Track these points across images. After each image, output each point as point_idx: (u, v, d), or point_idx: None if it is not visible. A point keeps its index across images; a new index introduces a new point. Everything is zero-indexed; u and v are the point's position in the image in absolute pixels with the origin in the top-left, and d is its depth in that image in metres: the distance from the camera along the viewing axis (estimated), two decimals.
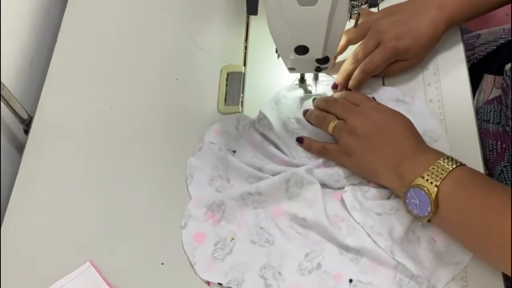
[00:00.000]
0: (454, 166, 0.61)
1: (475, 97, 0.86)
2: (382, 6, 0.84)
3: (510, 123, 0.77)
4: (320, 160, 0.71)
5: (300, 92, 0.78)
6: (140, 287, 0.67)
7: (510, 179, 0.77)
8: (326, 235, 0.66)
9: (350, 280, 0.64)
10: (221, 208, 0.69)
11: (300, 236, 0.67)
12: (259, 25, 0.85)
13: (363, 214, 0.66)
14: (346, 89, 0.76)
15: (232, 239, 0.68)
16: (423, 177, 0.61)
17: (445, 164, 0.61)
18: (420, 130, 0.69)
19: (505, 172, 0.78)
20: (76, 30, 0.88)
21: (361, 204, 0.67)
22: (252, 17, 0.86)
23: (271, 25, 0.63)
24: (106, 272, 0.67)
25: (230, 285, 0.65)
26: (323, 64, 0.69)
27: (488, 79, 0.85)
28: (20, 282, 0.68)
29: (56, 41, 0.87)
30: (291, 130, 0.74)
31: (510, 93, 0.76)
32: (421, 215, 0.62)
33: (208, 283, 0.66)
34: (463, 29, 0.81)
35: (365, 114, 0.68)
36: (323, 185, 0.69)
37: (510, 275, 0.57)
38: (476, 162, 0.70)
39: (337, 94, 0.75)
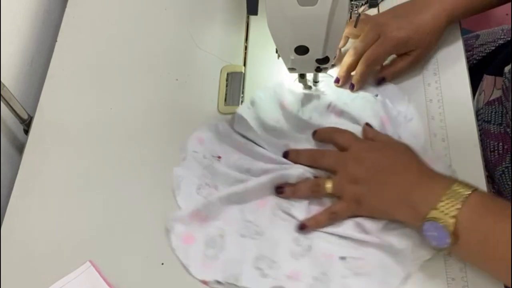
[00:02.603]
0: (468, 193, 0.59)
1: (475, 97, 0.86)
2: (382, 6, 0.84)
3: (511, 125, 0.77)
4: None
5: (276, 92, 0.78)
6: (140, 287, 0.67)
7: (511, 180, 0.77)
8: None
9: (343, 258, 0.65)
10: (207, 207, 0.69)
11: (286, 222, 0.68)
12: (259, 25, 0.85)
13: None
14: (351, 86, 0.76)
15: (221, 235, 0.68)
16: (438, 209, 0.59)
17: (458, 190, 0.59)
18: (393, 111, 0.71)
19: (506, 173, 0.78)
20: (76, 30, 0.88)
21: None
22: (252, 17, 0.86)
23: (271, 25, 0.63)
24: (106, 272, 0.67)
25: (228, 281, 0.65)
26: (323, 64, 0.69)
27: (488, 80, 0.85)
28: (20, 282, 0.68)
29: (56, 41, 0.87)
30: (271, 128, 0.74)
31: (510, 95, 0.76)
32: (440, 246, 0.60)
33: (205, 282, 0.65)
34: (462, 30, 0.81)
35: (359, 159, 0.67)
36: None
37: None
38: (476, 162, 0.70)
39: (321, 131, 0.73)
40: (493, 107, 0.82)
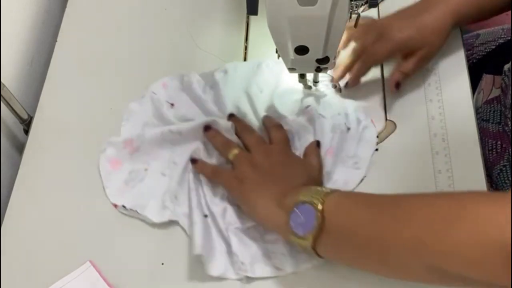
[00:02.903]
0: (334, 190, 0.61)
1: (474, 96, 0.86)
2: (382, 6, 0.84)
3: (509, 123, 0.77)
4: None
5: (277, 73, 0.78)
6: (140, 287, 0.67)
7: (509, 178, 0.77)
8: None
9: (205, 216, 0.68)
10: (140, 139, 0.72)
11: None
12: (259, 25, 0.85)
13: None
14: (345, 83, 0.76)
15: (146, 169, 0.72)
16: (304, 194, 0.60)
17: (324, 187, 0.62)
18: (350, 151, 0.71)
19: (504, 171, 0.78)
20: (76, 30, 0.88)
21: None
22: (252, 17, 0.86)
23: (271, 25, 0.63)
24: (106, 272, 0.67)
25: (133, 208, 0.69)
26: (323, 64, 0.69)
27: (487, 79, 0.85)
28: (20, 282, 0.68)
29: (56, 41, 0.87)
30: (250, 92, 0.75)
31: (509, 93, 0.77)
32: (308, 231, 0.58)
33: (115, 205, 0.71)
34: (462, 29, 0.81)
35: (270, 154, 0.69)
36: None
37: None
38: (476, 162, 0.70)
39: (268, 118, 0.74)
40: (492, 106, 0.82)
